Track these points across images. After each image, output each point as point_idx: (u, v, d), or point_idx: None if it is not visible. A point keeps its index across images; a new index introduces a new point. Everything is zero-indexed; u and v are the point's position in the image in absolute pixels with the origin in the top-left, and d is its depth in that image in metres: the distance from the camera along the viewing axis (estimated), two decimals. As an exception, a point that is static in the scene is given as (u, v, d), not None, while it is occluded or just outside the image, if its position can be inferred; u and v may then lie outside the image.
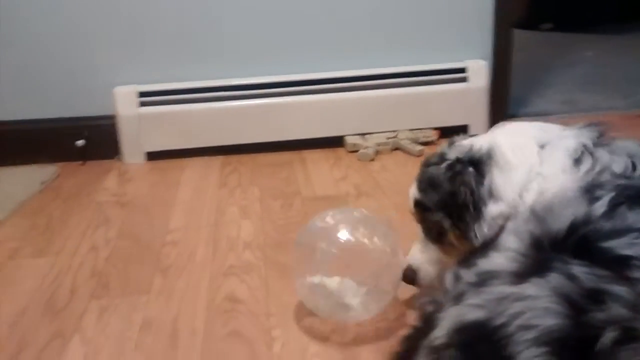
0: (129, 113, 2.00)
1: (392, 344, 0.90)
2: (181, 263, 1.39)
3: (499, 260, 0.76)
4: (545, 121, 1.05)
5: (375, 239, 1.13)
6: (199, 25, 2.02)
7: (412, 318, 0.78)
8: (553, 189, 0.88)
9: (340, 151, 2.05)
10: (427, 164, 1.08)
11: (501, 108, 2.17)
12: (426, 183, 1.06)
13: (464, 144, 1.04)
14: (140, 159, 2.03)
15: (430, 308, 0.80)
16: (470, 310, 0.70)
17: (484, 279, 0.74)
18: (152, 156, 2.04)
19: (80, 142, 2.02)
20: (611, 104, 2.45)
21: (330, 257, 1.12)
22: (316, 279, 1.11)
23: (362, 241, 1.13)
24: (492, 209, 0.95)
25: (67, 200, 1.76)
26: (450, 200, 1.00)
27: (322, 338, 1.11)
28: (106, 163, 2.02)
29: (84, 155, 2.04)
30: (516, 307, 0.66)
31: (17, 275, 1.38)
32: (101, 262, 1.41)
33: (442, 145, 1.10)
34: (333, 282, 1.10)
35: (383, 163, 1.94)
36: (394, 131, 2.08)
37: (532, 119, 2.28)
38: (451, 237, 1.04)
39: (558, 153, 0.93)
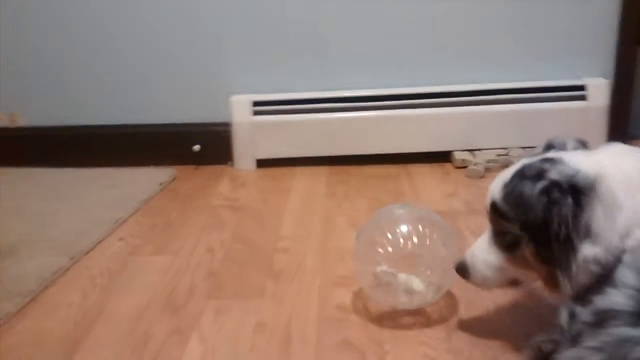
0: (244, 121, 2.07)
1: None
2: (292, 270, 1.42)
3: (616, 298, 0.73)
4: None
5: (435, 236, 1.19)
6: (311, 38, 2.07)
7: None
8: None
9: (447, 166, 2.02)
10: (521, 175, 0.95)
11: (621, 128, 2.06)
12: (515, 197, 0.94)
13: (567, 164, 0.92)
14: (251, 165, 2.10)
15: (547, 347, 0.79)
16: (589, 353, 0.68)
17: (602, 319, 0.71)
18: (262, 163, 2.10)
19: (196, 147, 2.11)
20: None
21: (389, 250, 1.19)
22: (374, 268, 1.20)
23: (420, 236, 1.19)
24: (587, 251, 0.85)
25: (183, 202, 1.84)
26: (540, 226, 0.90)
27: (436, 353, 1.10)
28: (219, 168, 2.10)
29: (198, 160, 2.13)
30: (638, 351, 0.64)
31: (138, 272, 1.45)
32: (217, 264, 1.47)
33: (541, 153, 1.01)
34: (388, 272, 1.19)
35: (493, 181, 1.90)
36: (504, 148, 2.03)
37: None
38: (525, 251, 0.95)
39: None
